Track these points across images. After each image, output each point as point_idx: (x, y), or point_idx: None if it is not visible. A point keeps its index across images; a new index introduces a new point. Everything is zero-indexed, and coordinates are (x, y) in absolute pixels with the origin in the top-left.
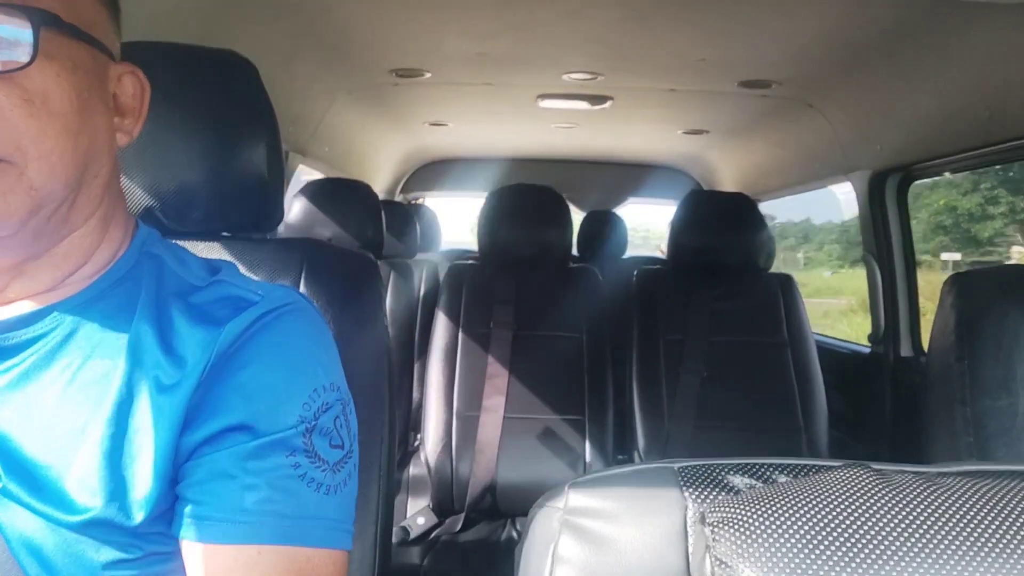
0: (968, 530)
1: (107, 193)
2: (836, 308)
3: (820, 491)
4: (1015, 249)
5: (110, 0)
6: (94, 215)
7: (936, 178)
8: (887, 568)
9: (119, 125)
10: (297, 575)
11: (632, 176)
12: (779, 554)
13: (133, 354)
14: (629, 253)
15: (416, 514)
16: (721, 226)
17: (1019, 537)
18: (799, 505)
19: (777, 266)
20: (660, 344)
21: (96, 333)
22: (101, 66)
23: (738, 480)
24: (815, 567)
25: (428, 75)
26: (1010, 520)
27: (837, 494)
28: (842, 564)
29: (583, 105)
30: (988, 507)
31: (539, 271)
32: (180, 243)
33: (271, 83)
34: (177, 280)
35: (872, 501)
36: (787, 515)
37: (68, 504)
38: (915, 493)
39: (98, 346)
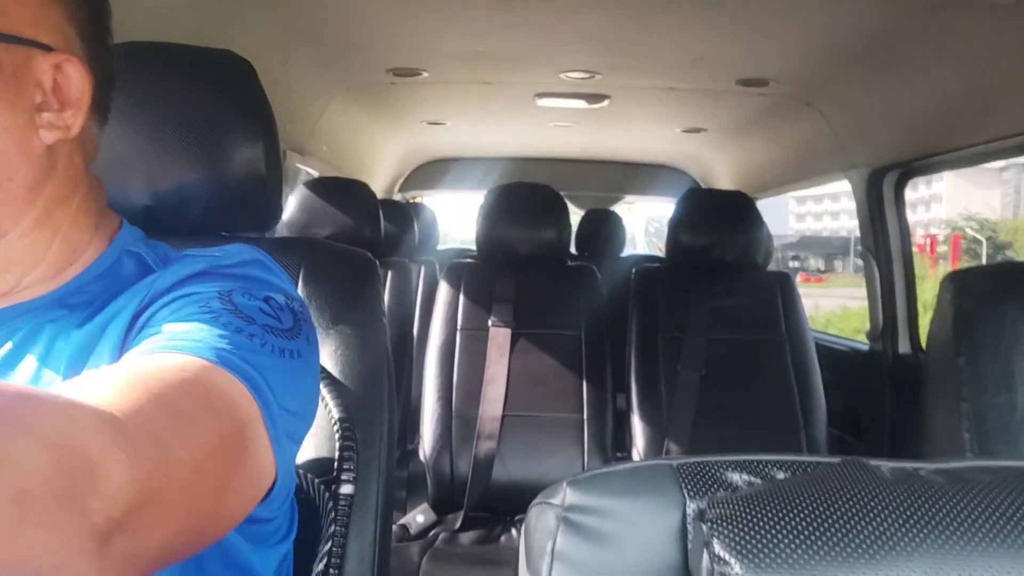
0: (966, 526)
1: (42, 194)
2: None
3: (819, 488)
4: None
5: None
6: (26, 218)
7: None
8: (886, 564)
9: (54, 120)
10: (192, 385)
11: (630, 175)
12: (777, 550)
13: (102, 334)
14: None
15: (415, 512)
16: (719, 224)
17: (1016, 533)
18: (798, 502)
19: None
20: (659, 342)
21: (66, 327)
22: (14, 59)
23: (737, 477)
24: (813, 563)
25: (426, 74)
26: (1007, 516)
27: (836, 491)
28: (840, 560)
29: (581, 104)
30: (987, 504)
31: (537, 269)
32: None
33: (268, 82)
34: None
35: (871, 498)
36: (786, 512)
37: None
38: (914, 490)
39: (67, 338)
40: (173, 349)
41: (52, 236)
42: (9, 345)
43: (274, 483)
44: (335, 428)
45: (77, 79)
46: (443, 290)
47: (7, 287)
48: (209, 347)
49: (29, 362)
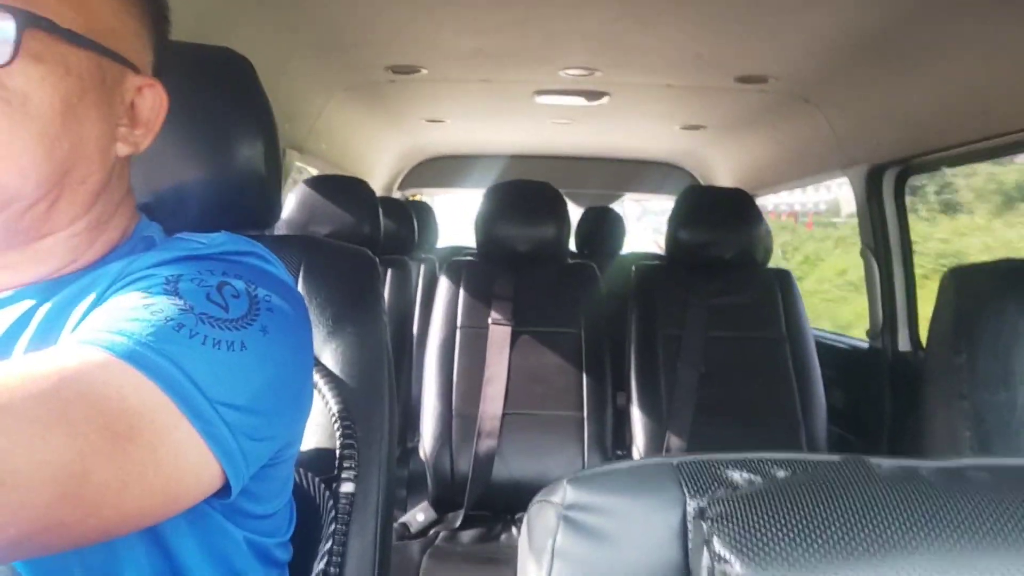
0: (966, 524)
1: (99, 200)
2: None
3: (820, 486)
4: None
5: (148, 13)
6: (82, 219)
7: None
8: (887, 562)
9: (127, 135)
10: (61, 381)
11: (629, 172)
12: (777, 548)
13: (77, 302)
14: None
15: (416, 510)
16: (718, 222)
17: (1016, 531)
18: (798, 500)
19: None
20: (658, 340)
21: (67, 303)
22: (113, 75)
23: (737, 475)
24: (813, 561)
25: (425, 72)
26: (1008, 514)
27: (837, 489)
28: (840, 558)
29: (580, 101)
30: (987, 502)
31: (537, 267)
32: None
33: (268, 80)
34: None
35: (871, 496)
36: (786, 510)
37: None
38: (914, 488)
39: (65, 312)
40: (86, 342)
41: (97, 236)
42: (23, 307)
43: (228, 480)
44: (336, 426)
45: (153, 102)
46: (443, 288)
47: (37, 278)
48: (120, 338)
49: (38, 321)
